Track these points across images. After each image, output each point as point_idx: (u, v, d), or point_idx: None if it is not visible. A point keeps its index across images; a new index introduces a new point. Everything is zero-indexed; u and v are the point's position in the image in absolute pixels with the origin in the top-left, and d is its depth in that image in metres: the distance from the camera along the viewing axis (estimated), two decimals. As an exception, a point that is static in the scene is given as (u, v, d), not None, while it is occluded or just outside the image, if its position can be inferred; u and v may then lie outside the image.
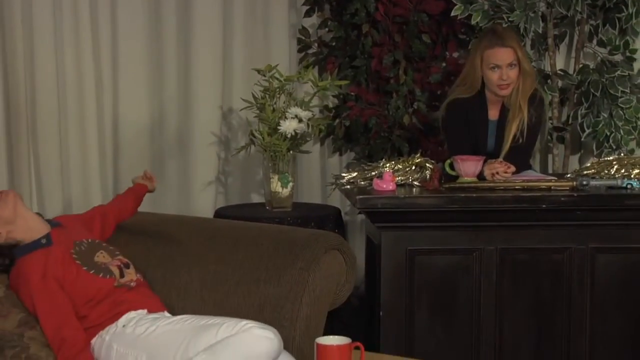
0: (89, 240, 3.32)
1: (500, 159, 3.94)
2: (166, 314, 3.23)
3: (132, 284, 3.23)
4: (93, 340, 3.12)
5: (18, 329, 3.07)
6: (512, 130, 4.01)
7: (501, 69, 3.98)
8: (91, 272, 3.18)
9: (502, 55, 3.99)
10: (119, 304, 3.16)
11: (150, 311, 3.19)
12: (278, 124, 4.22)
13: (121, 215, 3.57)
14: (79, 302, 3.13)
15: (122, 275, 3.23)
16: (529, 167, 4.16)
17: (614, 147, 4.58)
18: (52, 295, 3.10)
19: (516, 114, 4.01)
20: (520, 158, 4.01)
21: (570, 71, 4.76)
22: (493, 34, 4.07)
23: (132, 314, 3.15)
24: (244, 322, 2.97)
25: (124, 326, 3.11)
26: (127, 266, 3.28)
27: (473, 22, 4.50)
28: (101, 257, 3.27)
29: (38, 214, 3.43)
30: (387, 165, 3.92)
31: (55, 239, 3.23)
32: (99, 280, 3.17)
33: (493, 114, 4.09)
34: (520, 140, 4.00)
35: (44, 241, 3.22)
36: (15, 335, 3.06)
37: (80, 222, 3.44)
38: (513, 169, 3.87)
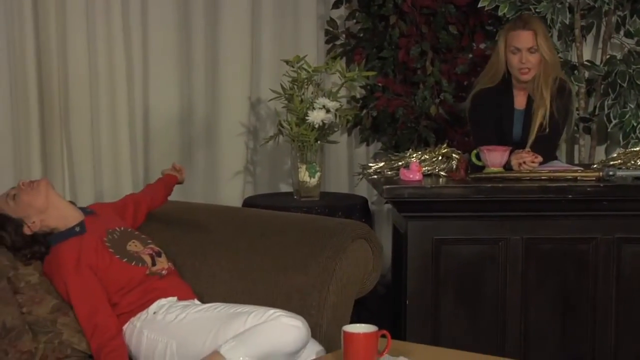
0: (122, 229, 3.35)
1: (527, 148, 3.95)
2: (196, 301, 3.26)
3: (163, 272, 3.27)
4: (124, 327, 3.16)
5: (51, 315, 3.11)
6: (538, 119, 4.01)
7: (521, 52, 4.00)
8: (124, 260, 3.21)
9: (523, 38, 4.01)
10: (150, 291, 3.19)
11: (180, 299, 3.23)
12: (306, 114, 4.24)
13: (152, 204, 3.61)
14: (111, 290, 3.17)
15: (153, 264, 3.26)
16: (555, 158, 4.17)
17: (641, 137, 4.58)
18: (86, 282, 3.14)
19: (540, 102, 4.02)
20: (546, 148, 4.02)
21: (597, 62, 4.76)
22: (518, 19, 4.14)
23: (162, 301, 3.18)
24: (272, 310, 3.00)
25: (154, 313, 3.15)
26: (158, 255, 3.31)
27: (500, 14, 4.51)
28: (133, 245, 3.30)
29: (71, 202, 3.48)
30: (414, 155, 3.93)
31: (88, 226, 3.27)
32: (132, 268, 3.21)
33: (520, 102, 4.10)
34: (547, 130, 4.01)
35: (77, 229, 3.25)
36: (49, 321, 3.10)
37: (113, 210, 3.47)
38: (540, 159, 3.88)
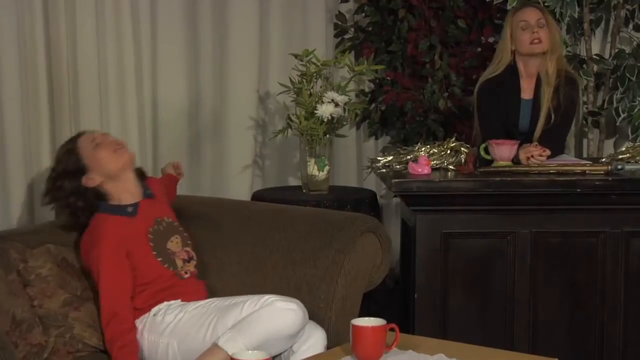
0: (169, 221, 3.31)
1: (535, 142, 3.95)
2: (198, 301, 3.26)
3: (185, 275, 3.26)
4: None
5: (63, 309, 3.11)
6: (545, 105, 4.00)
7: (531, 26, 4.00)
8: (159, 259, 3.20)
9: (530, 12, 4.04)
10: (164, 290, 3.18)
11: (183, 301, 3.22)
12: (315, 108, 4.25)
13: (169, 197, 3.59)
14: (135, 282, 3.15)
15: (181, 268, 3.25)
16: (563, 152, 4.17)
17: (649, 131, 4.58)
18: (120, 266, 3.11)
19: (547, 88, 4.01)
20: (555, 141, 4.02)
21: (606, 56, 4.76)
22: (523, 4, 4.19)
23: (163, 305, 3.17)
24: (267, 296, 3.01)
25: (154, 315, 3.14)
26: (190, 259, 3.30)
27: (509, 7, 4.50)
28: (174, 243, 3.27)
29: (141, 171, 3.43)
30: (423, 149, 3.94)
31: (141, 211, 3.23)
32: (163, 269, 3.20)
33: (527, 92, 4.08)
34: (553, 117, 4.00)
35: (130, 209, 3.21)
36: (60, 315, 3.10)
37: (164, 193, 3.45)
38: (548, 152, 3.88)
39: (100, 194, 3.21)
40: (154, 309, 3.15)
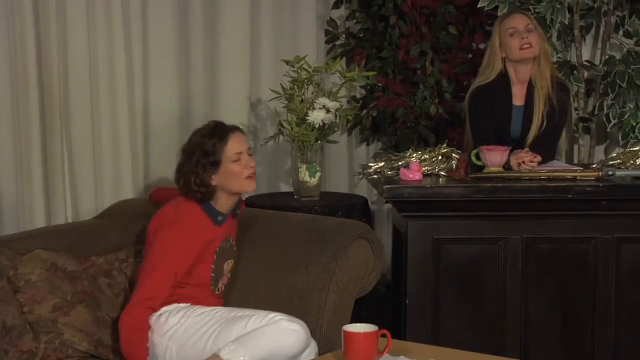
0: (232, 243, 3.36)
1: (527, 148, 3.96)
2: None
3: (216, 292, 3.29)
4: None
5: (52, 314, 3.11)
6: (539, 109, 4.01)
7: (520, 33, 4.01)
8: (212, 274, 3.24)
9: (518, 19, 4.05)
10: (185, 295, 3.19)
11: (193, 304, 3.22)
12: (306, 114, 4.25)
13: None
14: (179, 276, 3.17)
15: (219, 288, 3.30)
16: (554, 158, 4.17)
17: (640, 137, 4.59)
18: (185, 259, 3.14)
19: (541, 91, 4.02)
20: (546, 147, 4.02)
21: (597, 62, 4.77)
22: (509, 11, 4.22)
23: (172, 306, 3.17)
24: (273, 314, 3.01)
25: (160, 315, 3.15)
26: (225, 284, 3.34)
27: (500, 14, 4.51)
28: (228, 266, 3.32)
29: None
30: (414, 155, 3.94)
31: (224, 225, 3.27)
32: (208, 284, 3.24)
33: (518, 98, 4.08)
34: (545, 123, 4.00)
35: (220, 218, 3.25)
36: (50, 320, 3.10)
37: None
38: (539, 158, 3.89)
39: (210, 190, 3.22)
40: (163, 308, 3.15)
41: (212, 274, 3.24)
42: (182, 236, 3.14)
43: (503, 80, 4.07)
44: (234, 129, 3.28)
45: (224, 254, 3.28)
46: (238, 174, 3.22)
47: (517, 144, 4.00)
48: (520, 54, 4.01)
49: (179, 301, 3.18)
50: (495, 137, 4.01)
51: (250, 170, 3.24)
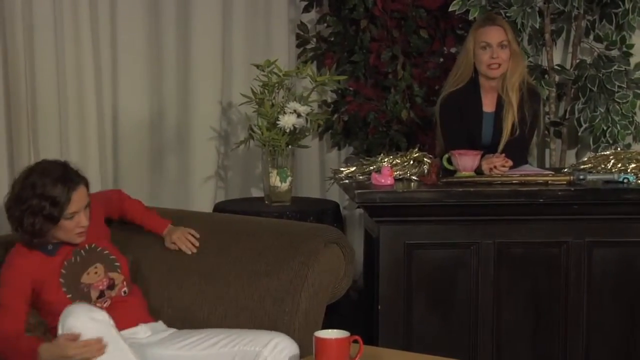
0: (91, 247, 3.19)
1: (498, 152, 3.96)
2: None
3: (105, 304, 3.12)
4: None
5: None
6: (509, 120, 4.02)
7: (492, 48, 4.00)
8: (68, 296, 3.07)
9: (493, 33, 4.03)
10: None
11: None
12: (277, 118, 4.23)
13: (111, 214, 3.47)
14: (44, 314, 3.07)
15: (98, 298, 3.13)
16: (526, 162, 4.18)
17: (611, 141, 4.61)
18: (14, 278, 3.03)
19: (509, 105, 4.03)
20: (517, 152, 4.03)
21: (567, 66, 4.78)
22: (486, 17, 4.18)
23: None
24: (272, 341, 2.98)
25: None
26: (111, 287, 3.17)
27: (471, 18, 4.52)
28: (91, 274, 3.14)
29: None
30: (386, 159, 3.93)
31: (60, 250, 3.13)
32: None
33: (488, 105, 4.10)
34: (517, 131, 4.02)
35: (50, 247, 3.12)
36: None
37: (100, 213, 3.31)
38: (510, 163, 3.89)
39: (41, 233, 3.05)
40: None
41: (69, 296, 3.06)
42: (8, 278, 3.04)
43: (474, 86, 4.07)
44: (81, 181, 3.09)
45: (75, 270, 3.11)
46: (70, 230, 3.08)
47: (488, 150, 4.00)
48: (486, 71, 4.04)
49: None
50: (467, 143, 4.01)
51: (82, 230, 3.10)
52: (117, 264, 3.22)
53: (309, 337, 2.81)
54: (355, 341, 2.76)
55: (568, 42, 4.89)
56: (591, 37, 4.77)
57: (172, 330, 3.20)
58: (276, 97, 4.35)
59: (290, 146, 4.32)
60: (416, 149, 3.98)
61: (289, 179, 4.34)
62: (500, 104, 4.06)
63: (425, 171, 3.88)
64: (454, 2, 4.56)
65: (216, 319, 3.27)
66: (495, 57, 4.00)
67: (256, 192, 4.91)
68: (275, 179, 4.31)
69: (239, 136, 4.82)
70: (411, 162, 3.92)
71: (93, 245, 3.21)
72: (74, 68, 4.29)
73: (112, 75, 4.51)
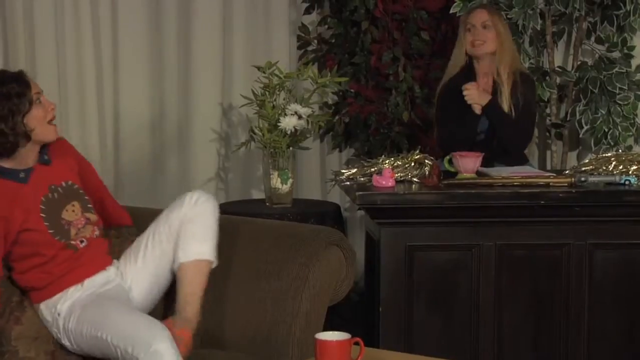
0: (67, 184, 3.09)
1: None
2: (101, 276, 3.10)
3: (82, 244, 3.06)
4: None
5: (6, 325, 2.98)
6: (504, 105, 4.09)
7: (476, 28, 4.08)
8: (50, 231, 2.99)
9: (476, 15, 4.13)
10: (59, 274, 3.01)
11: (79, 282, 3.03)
12: (278, 120, 4.23)
13: (108, 220, 3.33)
14: (31, 260, 3.00)
15: (76, 235, 3.05)
16: (527, 160, 4.21)
17: (612, 143, 4.60)
18: None
19: (504, 84, 4.08)
20: (515, 136, 4.12)
21: (569, 68, 4.78)
22: (475, 6, 4.28)
23: (59, 300, 2.99)
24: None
25: (58, 315, 2.99)
26: (86, 225, 3.08)
27: (471, 19, 4.52)
28: (69, 211, 3.05)
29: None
30: (387, 161, 3.93)
31: (33, 178, 3.01)
32: (54, 242, 2.99)
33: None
34: (514, 114, 4.05)
35: (22, 175, 3.00)
36: (3, 338, 2.97)
37: (73, 161, 3.20)
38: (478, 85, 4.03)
39: (6, 144, 2.94)
40: (57, 308, 2.99)
41: (51, 231, 2.99)
42: None
43: (468, 72, 4.13)
44: (27, 84, 2.96)
45: (54, 206, 3.02)
46: (43, 118, 2.96)
47: (485, 135, 4.07)
48: (470, 50, 4.11)
49: (62, 288, 2.98)
50: (462, 127, 4.05)
51: (53, 113, 3.00)
52: (89, 205, 3.14)
53: (310, 339, 2.81)
54: (357, 343, 2.75)
55: (569, 43, 4.89)
56: (592, 39, 4.77)
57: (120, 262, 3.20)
58: (277, 99, 4.34)
59: (291, 148, 4.32)
60: (417, 151, 3.98)
61: (290, 180, 4.33)
62: (496, 90, 4.09)
63: (427, 173, 3.88)
64: (455, 4, 4.57)
65: (216, 320, 3.27)
66: (476, 36, 4.06)
67: (257, 194, 4.91)
68: (276, 181, 4.31)
69: (240, 138, 4.82)
70: (412, 163, 3.91)
71: (70, 182, 3.12)
72: (75, 69, 4.29)
73: (113, 76, 4.52)
